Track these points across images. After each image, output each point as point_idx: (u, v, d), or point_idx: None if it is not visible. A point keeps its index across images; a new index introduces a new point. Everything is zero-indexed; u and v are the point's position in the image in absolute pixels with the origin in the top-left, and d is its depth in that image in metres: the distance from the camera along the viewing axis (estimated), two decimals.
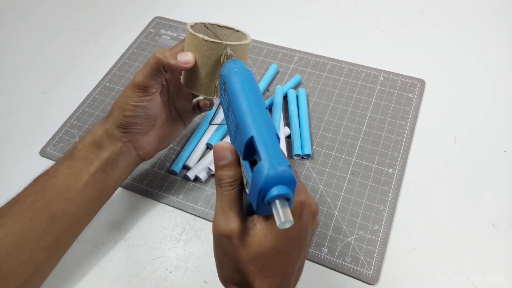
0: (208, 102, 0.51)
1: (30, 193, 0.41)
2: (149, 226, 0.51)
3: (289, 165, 0.28)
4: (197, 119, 0.60)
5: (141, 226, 0.51)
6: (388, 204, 0.50)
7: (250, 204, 0.32)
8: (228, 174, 0.32)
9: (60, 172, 0.42)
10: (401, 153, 0.54)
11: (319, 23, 0.72)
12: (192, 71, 0.41)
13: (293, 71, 0.64)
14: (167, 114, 0.48)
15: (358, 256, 0.46)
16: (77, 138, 0.59)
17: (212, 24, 0.43)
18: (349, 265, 0.46)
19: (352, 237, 0.47)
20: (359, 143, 0.55)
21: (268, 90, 0.62)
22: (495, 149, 0.54)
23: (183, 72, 0.43)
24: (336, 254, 0.46)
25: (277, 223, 0.27)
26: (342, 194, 0.51)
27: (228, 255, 0.32)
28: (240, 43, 0.40)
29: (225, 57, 0.38)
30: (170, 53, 0.40)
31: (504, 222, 0.48)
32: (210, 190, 0.53)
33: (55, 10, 0.80)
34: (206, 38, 0.39)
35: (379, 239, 0.47)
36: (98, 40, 0.74)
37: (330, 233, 0.48)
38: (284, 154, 0.30)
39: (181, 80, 0.44)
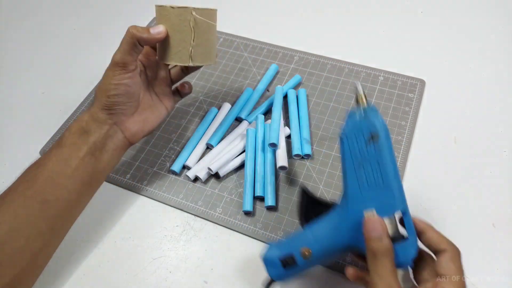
0: (186, 85, 0.53)
1: (22, 182, 0.42)
2: (149, 226, 0.51)
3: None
4: (197, 119, 0.60)
5: (141, 226, 0.51)
6: None
7: None
8: (386, 247, 0.32)
9: (49, 160, 0.43)
10: (401, 153, 0.54)
11: (319, 23, 0.72)
12: (165, 43, 0.44)
13: (293, 71, 0.64)
14: (148, 99, 0.49)
15: None
16: None
17: (179, 6, 0.44)
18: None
19: None
20: None
21: (268, 90, 0.62)
22: (495, 149, 0.54)
23: (157, 48, 0.46)
24: None
25: None
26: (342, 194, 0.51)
27: None
28: (206, 7, 0.43)
29: (194, 21, 0.42)
30: (143, 28, 0.43)
31: (504, 222, 0.48)
32: (210, 190, 0.53)
33: (55, 10, 0.80)
34: (172, 5, 0.42)
35: None
36: (98, 40, 0.74)
37: None
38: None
39: (157, 57, 0.46)
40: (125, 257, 0.48)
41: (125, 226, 0.51)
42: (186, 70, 0.52)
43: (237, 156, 0.54)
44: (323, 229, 0.36)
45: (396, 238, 0.34)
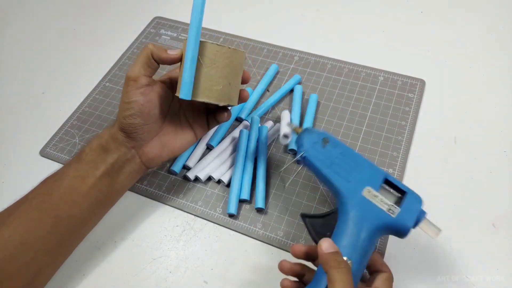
0: (226, 113, 0.48)
1: (38, 194, 0.42)
2: (149, 226, 0.51)
3: None
4: None
5: (141, 226, 0.51)
6: None
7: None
8: (340, 262, 0.34)
9: (67, 175, 0.42)
10: (401, 153, 0.54)
11: (319, 23, 0.72)
12: (196, 77, 0.42)
13: (293, 71, 0.64)
14: (175, 122, 0.47)
15: None
16: (77, 138, 0.59)
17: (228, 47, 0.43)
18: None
19: None
20: (359, 143, 0.55)
21: (268, 90, 0.62)
22: (495, 149, 0.54)
23: (178, 83, 0.43)
24: None
25: (435, 233, 0.38)
26: None
27: None
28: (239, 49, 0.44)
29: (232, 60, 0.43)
30: (160, 46, 0.43)
31: (504, 222, 0.48)
32: (210, 190, 0.53)
33: (55, 10, 0.80)
34: (222, 44, 0.42)
35: (379, 239, 0.47)
36: (98, 40, 0.74)
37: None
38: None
39: (178, 94, 0.43)
40: (125, 257, 0.48)
41: (125, 226, 0.51)
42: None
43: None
44: (346, 235, 0.37)
45: (397, 201, 0.39)
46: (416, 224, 0.38)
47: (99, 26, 0.76)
